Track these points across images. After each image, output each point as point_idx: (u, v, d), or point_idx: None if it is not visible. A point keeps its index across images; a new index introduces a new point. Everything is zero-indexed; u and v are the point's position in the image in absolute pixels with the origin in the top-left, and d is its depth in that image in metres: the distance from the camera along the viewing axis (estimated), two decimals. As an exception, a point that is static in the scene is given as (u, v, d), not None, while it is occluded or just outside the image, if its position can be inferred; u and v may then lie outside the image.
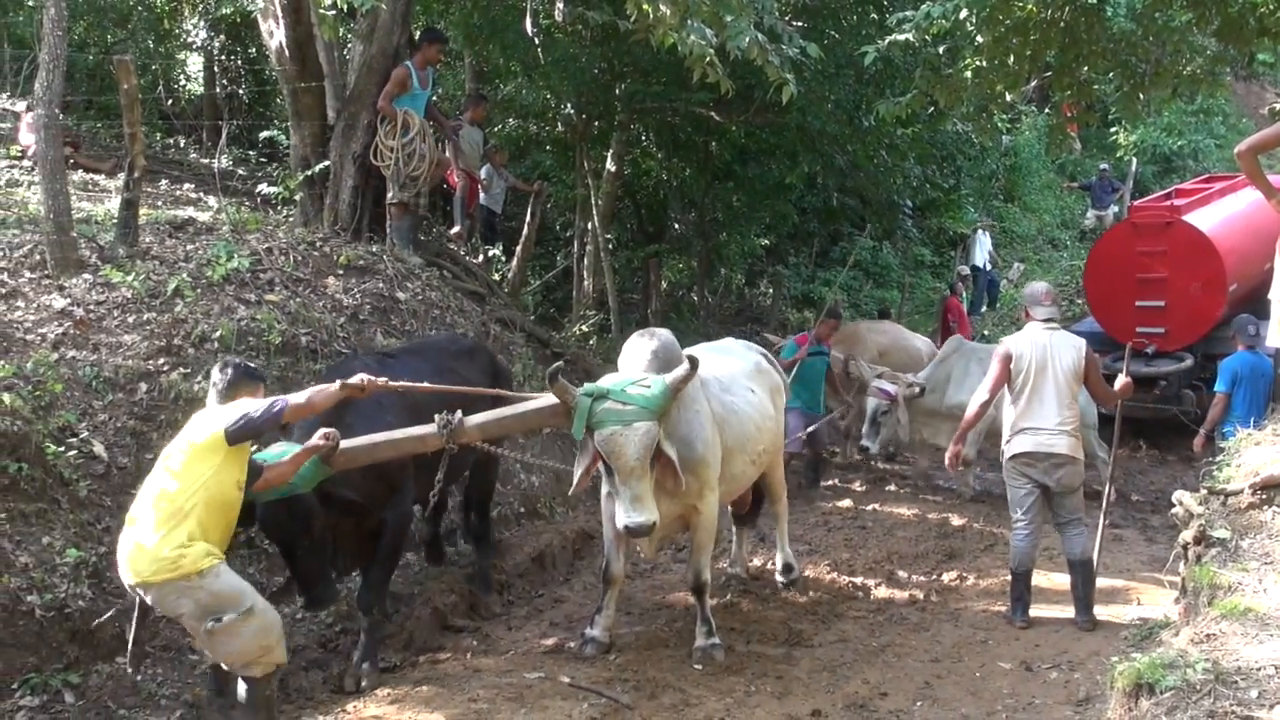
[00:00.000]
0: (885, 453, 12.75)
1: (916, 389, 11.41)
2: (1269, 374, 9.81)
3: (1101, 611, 7.68)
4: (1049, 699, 6.30)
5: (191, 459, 5.34)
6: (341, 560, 6.62)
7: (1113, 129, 25.33)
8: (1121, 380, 7.97)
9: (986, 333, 19.51)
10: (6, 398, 6.76)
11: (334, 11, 10.79)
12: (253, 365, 6.16)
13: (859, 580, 8.72)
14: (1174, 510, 6.17)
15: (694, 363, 6.16)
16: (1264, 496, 5.72)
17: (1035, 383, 7.40)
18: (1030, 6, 10.73)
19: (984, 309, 22.03)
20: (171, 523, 5.16)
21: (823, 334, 12.07)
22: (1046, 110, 19.06)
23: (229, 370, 5.79)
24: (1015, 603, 7.67)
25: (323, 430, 5.82)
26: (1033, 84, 14.25)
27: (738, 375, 7.64)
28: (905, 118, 13.14)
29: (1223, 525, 5.60)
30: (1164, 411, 13.49)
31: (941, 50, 11.52)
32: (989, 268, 21.88)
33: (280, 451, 5.77)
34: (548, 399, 6.28)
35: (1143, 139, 26.23)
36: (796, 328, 19.93)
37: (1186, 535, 5.76)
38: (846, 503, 11.27)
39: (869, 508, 11.07)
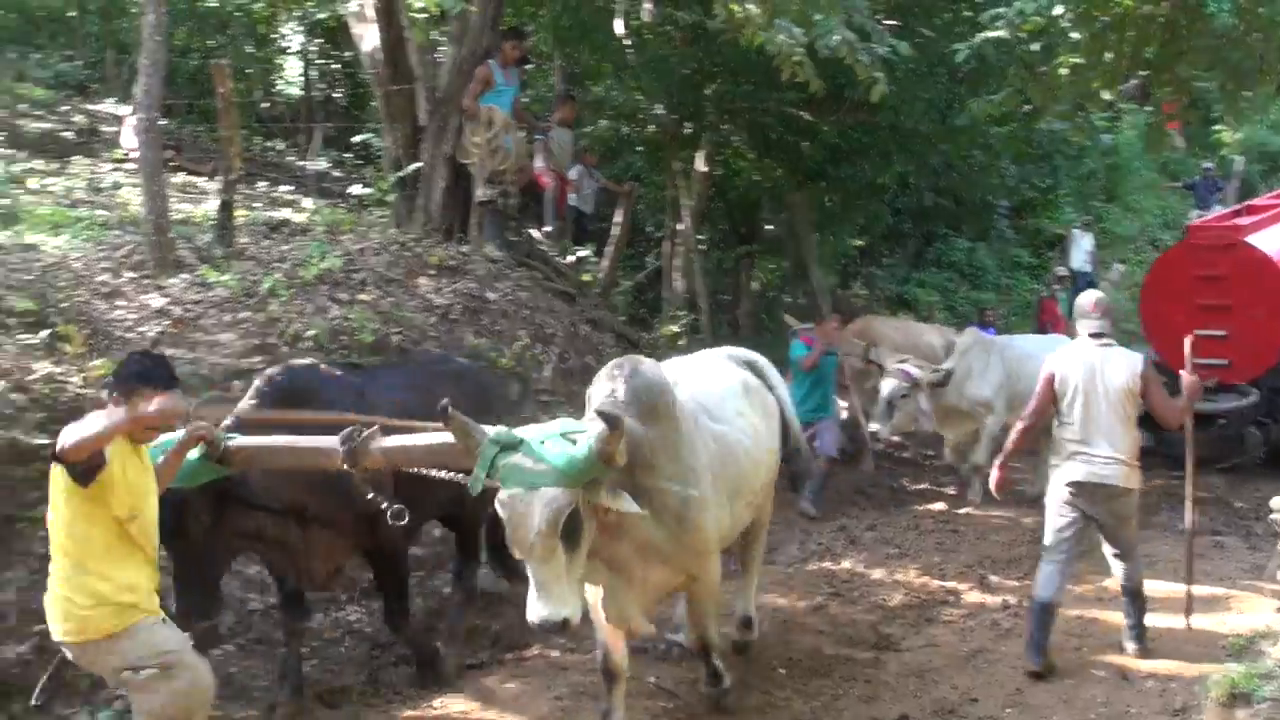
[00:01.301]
0: (897, 437, 12.14)
1: (941, 374, 10.83)
2: None
3: (1201, 620, 7.49)
4: (1144, 709, 6.15)
5: (53, 494, 4.48)
6: (319, 570, 6.08)
7: (1217, 127, 24.72)
8: (1186, 378, 7.14)
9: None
10: (105, 395, 6.93)
11: (425, 15, 10.92)
12: (154, 362, 4.96)
13: (950, 584, 8.59)
14: (1273, 516, 6.03)
15: (613, 422, 4.37)
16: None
17: (1085, 404, 6.53)
18: (1127, 2, 10.50)
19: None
20: (72, 579, 4.44)
21: (829, 333, 11.28)
22: (1147, 108, 18.66)
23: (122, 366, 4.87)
24: (1030, 640, 6.66)
25: (195, 424, 4.97)
26: (1132, 81, 13.91)
27: (726, 398, 6.15)
28: (999, 116, 12.99)
29: (1326, 531, 5.46)
30: (1224, 452, 12.27)
31: (1036, 47, 11.29)
32: (1088, 269, 21.44)
33: (165, 442, 4.89)
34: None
35: (1248, 137, 25.54)
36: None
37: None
38: (939, 506, 11.10)
39: (962, 511, 10.91)
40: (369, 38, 11.21)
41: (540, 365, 9.98)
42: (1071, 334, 14.65)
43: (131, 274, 8.72)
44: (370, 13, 10.99)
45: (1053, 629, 6.69)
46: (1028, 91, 12.15)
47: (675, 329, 13.69)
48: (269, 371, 6.21)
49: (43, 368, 6.93)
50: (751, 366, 6.94)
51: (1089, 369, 6.53)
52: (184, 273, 8.85)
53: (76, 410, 6.60)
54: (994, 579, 8.72)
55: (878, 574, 8.74)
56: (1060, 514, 6.70)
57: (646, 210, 16.37)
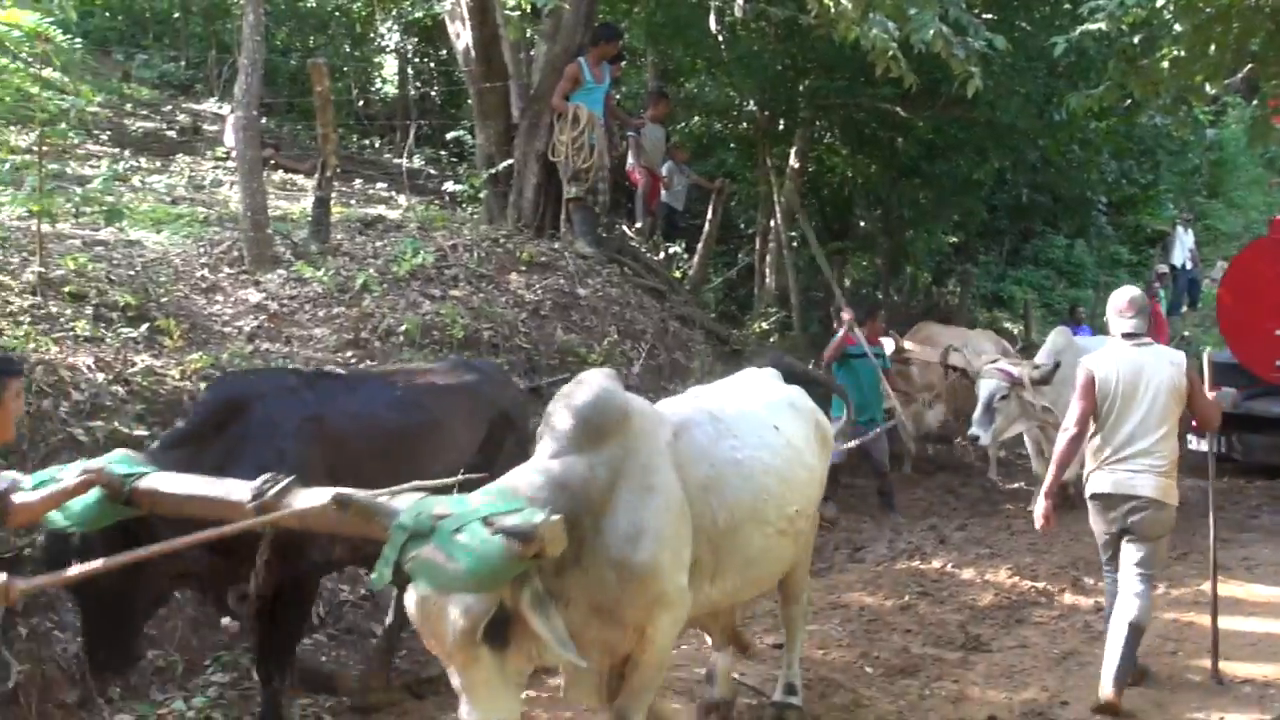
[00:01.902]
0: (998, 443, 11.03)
1: (1044, 370, 9.77)
2: None
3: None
4: (1240, 714, 6.03)
5: None
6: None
7: (1327, 121, 24.08)
8: (1211, 395, 6.57)
9: (1186, 334, 18.75)
10: (204, 388, 7.07)
11: (518, 12, 10.99)
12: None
13: (1041, 585, 8.44)
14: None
15: (526, 537, 3.45)
16: None
17: (1122, 409, 5.97)
18: (1227, -1, 10.25)
19: (1184, 309, 21.19)
20: None
21: (875, 333, 10.56)
22: (1253, 101, 18.23)
23: None
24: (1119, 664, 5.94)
25: (83, 469, 4.32)
26: (1239, 75, 13.60)
27: (751, 411, 5.23)
28: (1099, 111, 12.74)
29: None
30: None
31: (1136, 40, 11.06)
32: (1189, 266, 21.03)
33: (45, 477, 4.37)
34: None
35: (1363, 133, 24.84)
36: (986, 329, 19.53)
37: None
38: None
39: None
40: (464, 36, 11.31)
41: (630, 362, 10.01)
42: (1157, 334, 14.37)
43: (229, 269, 8.89)
44: (465, 11, 11.09)
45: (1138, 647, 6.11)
46: (1128, 85, 11.89)
47: (766, 326, 13.65)
48: (227, 379, 5.78)
49: (142, 361, 7.04)
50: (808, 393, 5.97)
51: (1131, 370, 5.98)
52: (280, 268, 9.00)
53: (174, 403, 6.78)
54: (1087, 580, 8.53)
55: (968, 574, 8.61)
56: (1101, 530, 6.23)
57: (738, 207, 16.34)
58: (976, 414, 9.71)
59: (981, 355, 10.58)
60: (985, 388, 9.74)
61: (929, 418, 11.44)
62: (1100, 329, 17.22)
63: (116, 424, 6.37)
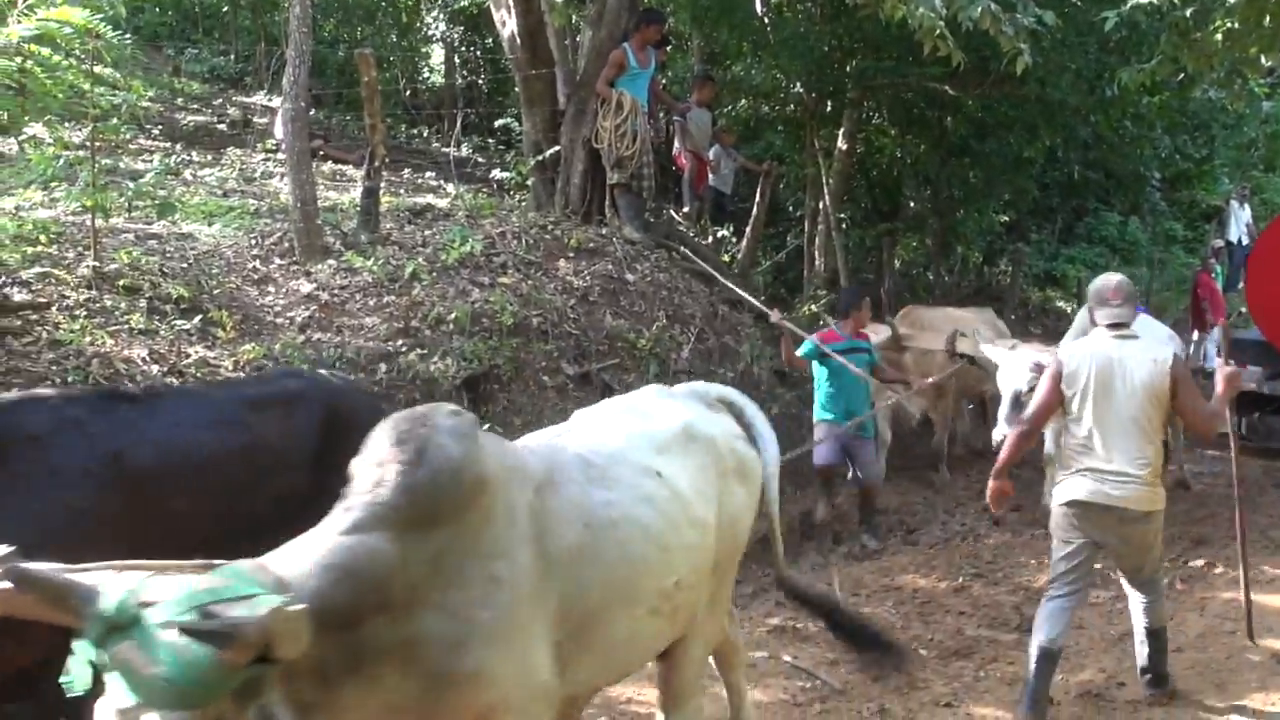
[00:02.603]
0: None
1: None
2: None
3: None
4: (1300, 691, 5.98)
5: None
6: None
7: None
8: (1222, 369, 5.83)
9: (1243, 310, 18.47)
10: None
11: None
12: None
13: (1099, 566, 8.39)
14: None
15: (225, 640, 2.50)
16: None
17: (1097, 407, 5.36)
18: (1286, -36, 10.09)
19: (1241, 285, 20.90)
20: None
21: (861, 324, 9.27)
22: (1312, 72, 17.97)
23: None
24: (1028, 689, 5.55)
25: None
26: (1297, 45, 13.37)
27: (631, 451, 4.02)
28: (1151, 85, 12.55)
29: None
30: None
31: (1189, 12, 10.91)
32: (1245, 241, 20.70)
33: None
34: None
35: None
36: (1039, 308, 19.35)
37: None
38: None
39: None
40: (509, 23, 11.34)
41: (679, 346, 10.02)
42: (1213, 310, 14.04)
43: (280, 260, 8.96)
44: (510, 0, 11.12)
45: (1053, 676, 5.67)
46: (1181, 59, 11.74)
47: (816, 308, 13.61)
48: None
49: (196, 353, 7.16)
50: (729, 408, 4.84)
51: (1105, 364, 5.38)
52: (330, 258, 9.06)
53: (228, 393, 6.84)
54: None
55: (1022, 555, 8.55)
56: (1063, 539, 5.64)
57: (786, 189, 16.28)
58: (1003, 412, 8.05)
59: (1001, 342, 9.30)
60: (1010, 381, 8.16)
61: (912, 409, 10.42)
62: (1161, 307, 17.09)
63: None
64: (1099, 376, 5.35)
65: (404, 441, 3.16)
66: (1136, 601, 5.74)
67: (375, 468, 3.11)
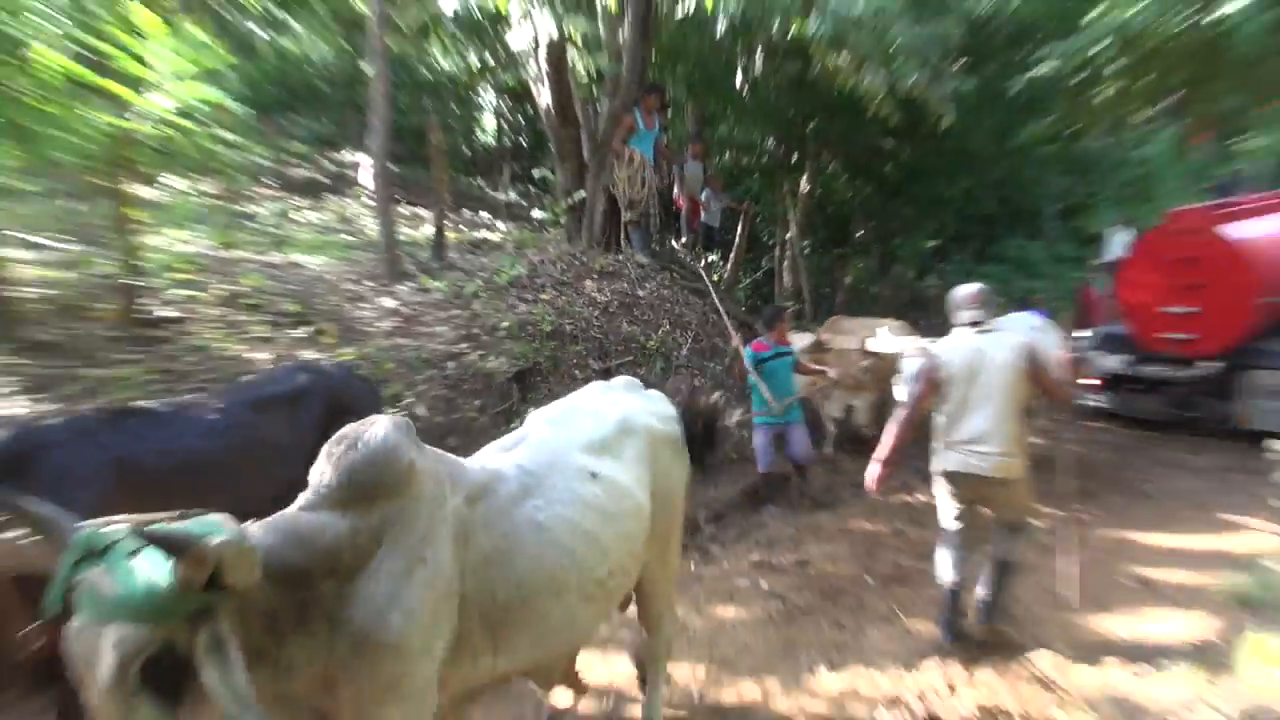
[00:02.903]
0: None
1: None
2: None
3: (1214, 540, 7.25)
4: (1164, 609, 6.00)
5: None
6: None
7: (1245, 136, 23.52)
8: (1060, 355, 5.99)
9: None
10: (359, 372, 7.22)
11: (586, 76, 11.06)
12: None
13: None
14: (1267, 454, 5.81)
15: (180, 549, 2.31)
16: (1353, 444, 5.35)
17: (965, 392, 5.20)
18: (1157, 38, 10.08)
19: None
20: None
21: (783, 333, 8.85)
22: (1180, 125, 17.90)
23: None
24: (945, 620, 5.55)
25: None
26: (1162, 104, 13.36)
27: (568, 457, 3.72)
28: (1048, 138, 12.60)
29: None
30: (1180, 415, 11.15)
31: (1079, 79, 10.94)
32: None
33: None
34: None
35: (1275, 143, 24.26)
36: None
37: (1276, 476, 5.43)
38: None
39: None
40: (544, 95, 11.40)
41: (679, 346, 10.06)
42: (1097, 317, 13.94)
43: (369, 283, 9.04)
44: (544, 77, 11.18)
45: (965, 607, 5.62)
46: (1072, 116, 11.81)
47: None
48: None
49: (306, 354, 7.23)
50: (654, 400, 4.47)
51: (973, 355, 5.20)
52: (408, 281, 9.14)
53: (331, 385, 6.91)
54: (1041, 507, 8.48)
55: (948, 506, 8.60)
56: (945, 501, 5.53)
57: (762, 223, 16.31)
58: (903, 393, 7.66)
59: (903, 341, 9.11)
60: (909, 366, 7.90)
61: (858, 405, 10.03)
62: (1055, 310, 17.04)
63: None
64: (968, 365, 5.18)
65: (345, 436, 3.01)
66: (999, 538, 5.48)
67: (324, 460, 2.96)
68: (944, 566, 5.47)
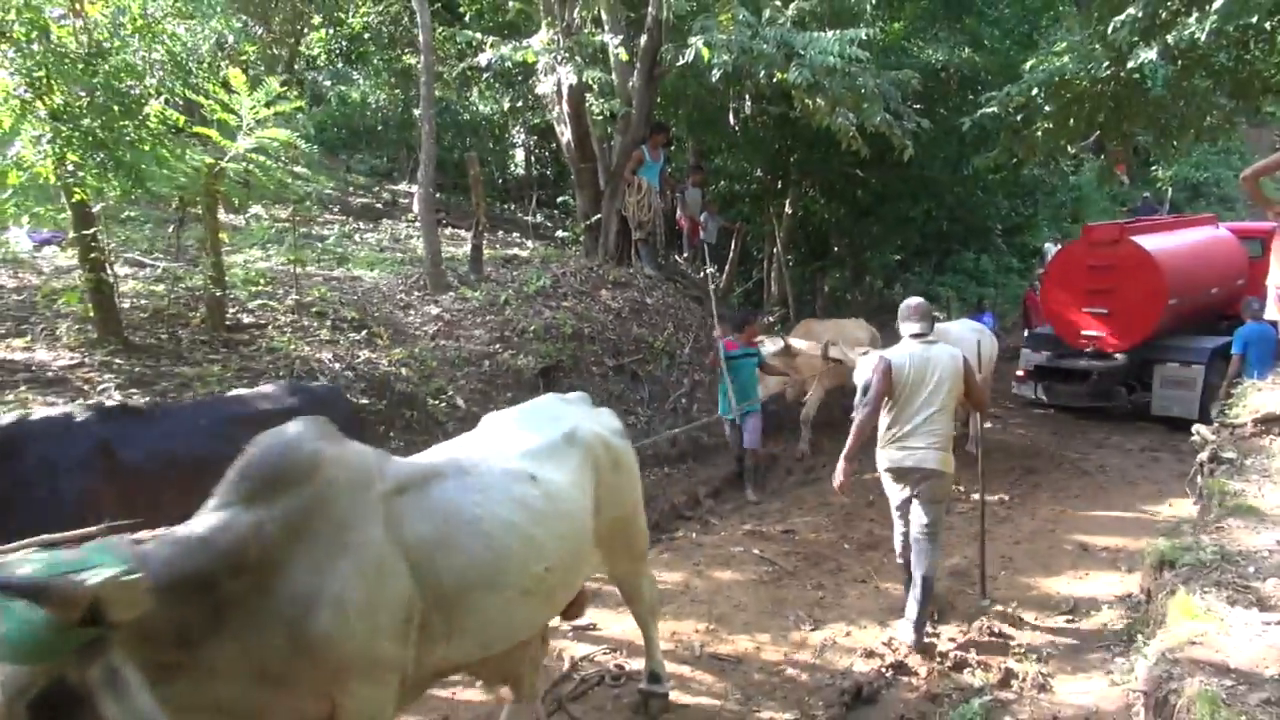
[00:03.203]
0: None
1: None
2: (1271, 339, 8.75)
3: (1142, 509, 7.18)
4: (1100, 570, 5.94)
5: None
6: None
7: (1153, 165, 23.37)
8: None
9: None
10: (404, 371, 7.16)
11: (601, 116, 10.99)
12: None
13: (962, 487, 8.31)
14: (1193, 438, 5.71)
15: (47, 597, 1.95)
16: (1263, 428, 5.26)
17: (911, 394, 4.95)
18: (1083, 84, 10.01)
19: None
20: None
21: (752, 335, 8.54)
22: (1101, 156, 17.73)
23: None
24: (907, 588, 5.22)
25: None
26: (1090, 139, 13.24)
27: (509, 460, 3.35)
28: (994, 167, 12.51)
29: (1231, 448, 5.17)
30: (1096, 402, 10.99)
31: (1019, 118, 10.86)
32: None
33: None
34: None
35: (1177, 173, 24.11)
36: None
37: (1203, 456, 5.33)
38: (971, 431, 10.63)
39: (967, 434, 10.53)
40: (566, 133, 11.33)
41: (682, 345, 10.00)
42: (1035, 317, 13.78)
43: (418, 293, 8.98)
44: (566, 117, 11.11)
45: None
46: (1014, 149, 11.72)
47: (772, 319, 13.55)
48: None
49: (364, 354, 7.17)
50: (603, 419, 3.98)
51: (920, 363, 4.95)
52: (451, 292, 9.08)
53: (384, 381, 6.87)
54: (993, 483, 8.37)
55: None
56: (890, 493, 5.22)
57: (752, 240, 16.14)
58: (859, 396, 6.27)
59: (856, 344, 8.79)
60: (863, 375, 6.81)
61: (810, 399, 9.54)
62: (1001, 314, 16.91)
63: (348, 396, 6.48)
64: (917, 370, 4.92)
65: (256, 442, 2.67)
66: (918, 552, 5.02)
67: (235, 461, 2.61)
68: (899, 544, 5.23)
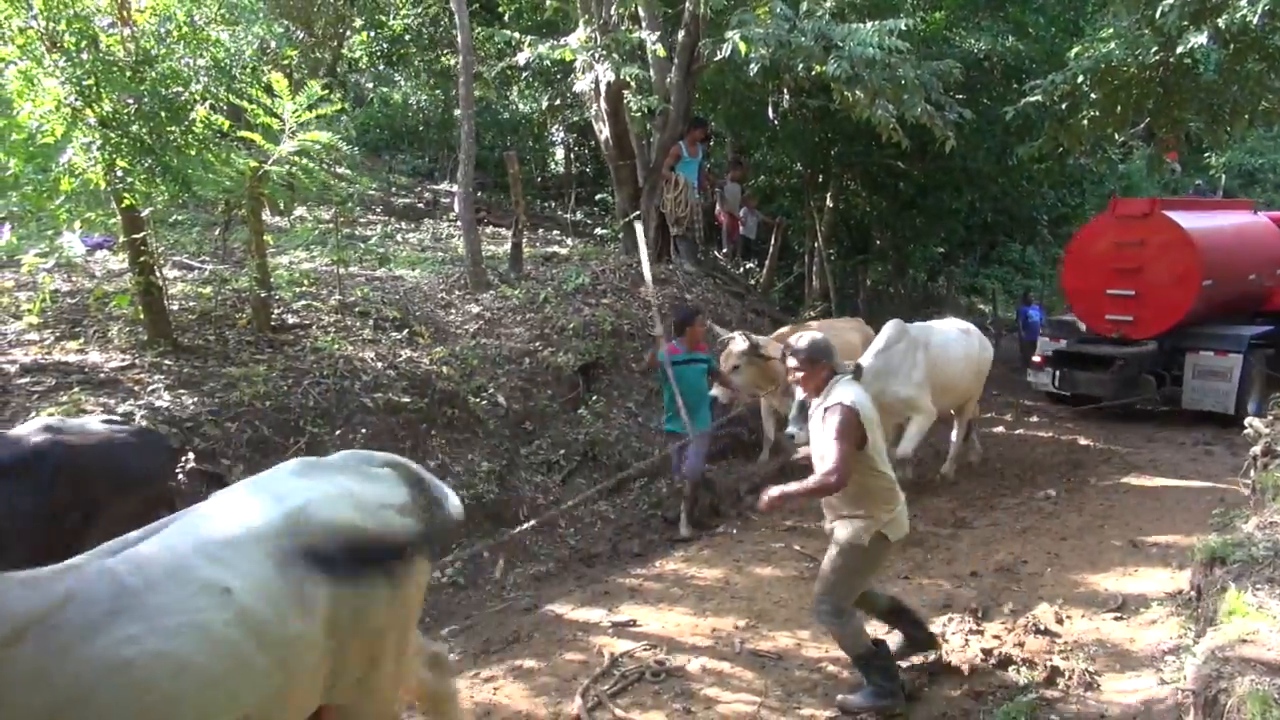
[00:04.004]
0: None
1: (849, 368, 4.94)
2: None
3: (1196, 503, 7.01)
4: (1150, 567, 5.81)
5: None
6: None
7: (1206, 152, 22.76)
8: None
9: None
10: (445, 369, 7.22)
11: (639, 113, 10.99)
12: None
13: (1007, 481, 8.23)
14: (1246, 431, 5.57)
15: None
16: (1319, 421, 5.12)
17: (876, 441, 4.04)
18: (1131, 71, 9.78)
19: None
20: None
21: (696, 337, 7.07)
22: (1150, 144, 17.38)
23: None
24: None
25: None
26: (1140, 126, 12.96)
27: (195, 562, 2.24)
28: (1039, 157, 12.29)
29: (1285, 442, 5.03)
30: (1121, 394, 10.14)
31: (1064, 106, 10.65)
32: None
33: None
34: None
35: (1230, 159, 23.46)
36: (966, 310, 18.93)
37: (1256, 449, 5.19)
38: (999, 429, 10.52)
39: (1016, 432, 10.38)
40: (604, 131, 11.34)
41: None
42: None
43: (459, 291, 9.05)
44: (604, 115, 11.12)
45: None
46: (1060, 138, 11.50)
47: (813, 314, 13.46)
48: None
49: (405, 353, 7.24)
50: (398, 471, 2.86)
51: (871, 405, 4.11)
52: (491, 290, 9.14)
53: (426, 379, 6.94)
54: (1040, 477, 8.30)
55: (957, 476, 8.40)
56: (870, 569, 4.24)
57: (793, 235, 16.08)
58: (792, 413, 5.05)
59: (848, 347, 7.21)
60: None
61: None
62: (1049, 306, 16.59)
63: (390, 395, 6.57)
64: (872, 411, 4.08)
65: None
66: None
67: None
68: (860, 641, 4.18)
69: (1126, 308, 9.99)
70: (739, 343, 7.46)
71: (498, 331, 8.28)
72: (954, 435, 8.36)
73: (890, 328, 7.30)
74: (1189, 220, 10.02)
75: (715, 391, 7.16)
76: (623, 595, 5.59)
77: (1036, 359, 11.07)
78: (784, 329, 8.61)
